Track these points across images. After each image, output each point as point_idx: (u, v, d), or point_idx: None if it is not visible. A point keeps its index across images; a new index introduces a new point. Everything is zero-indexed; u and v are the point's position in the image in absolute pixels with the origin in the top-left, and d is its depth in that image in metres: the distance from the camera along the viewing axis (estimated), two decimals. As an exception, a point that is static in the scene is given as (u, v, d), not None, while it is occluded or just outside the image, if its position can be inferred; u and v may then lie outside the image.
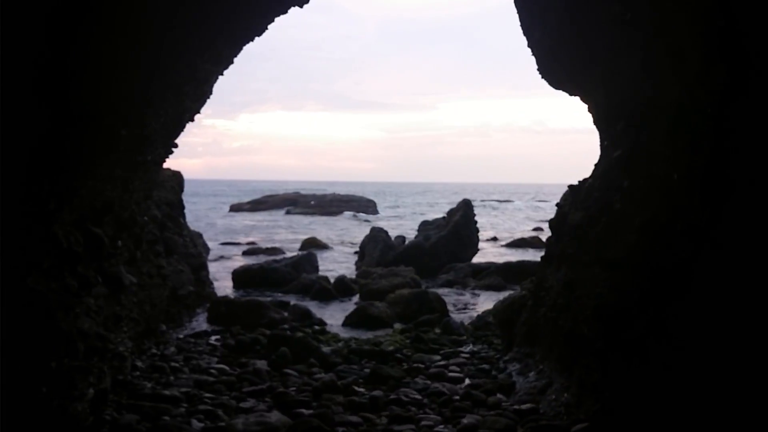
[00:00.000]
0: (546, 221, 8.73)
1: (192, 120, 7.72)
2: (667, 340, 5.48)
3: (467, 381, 9.01)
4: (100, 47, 5.10)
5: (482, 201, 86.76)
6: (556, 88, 7.90)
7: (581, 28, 6.58)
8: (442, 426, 6.95)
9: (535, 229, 44.16)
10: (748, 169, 4.76)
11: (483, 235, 27.25)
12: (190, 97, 6.91)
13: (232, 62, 7.75)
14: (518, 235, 35.84)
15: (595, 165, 7.67)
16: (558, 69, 7.44)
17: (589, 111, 7.51)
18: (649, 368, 5.73)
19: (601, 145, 7.32)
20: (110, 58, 5.05)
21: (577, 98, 7.76)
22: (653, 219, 5.59)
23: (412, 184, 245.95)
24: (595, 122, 7.36)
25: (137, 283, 9.49)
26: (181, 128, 7.68)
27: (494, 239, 35.89)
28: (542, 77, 7.91)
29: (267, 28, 7.12)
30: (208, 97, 7.85)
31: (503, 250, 30.47)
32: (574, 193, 7.87)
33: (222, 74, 8.03)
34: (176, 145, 8.52)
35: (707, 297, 5.07)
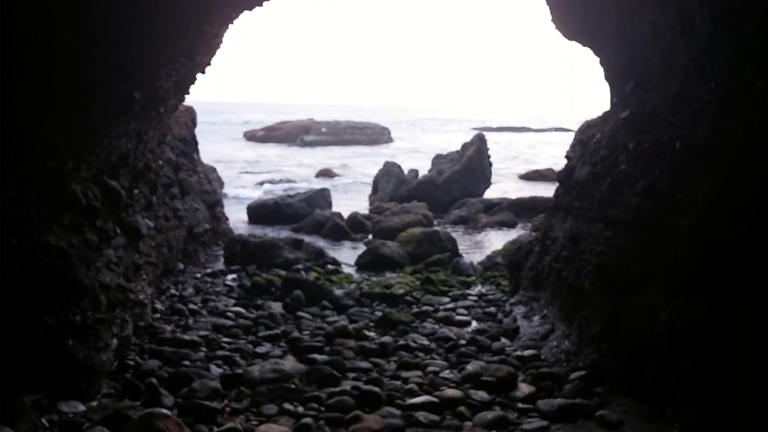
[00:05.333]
0: (564, 153, 8.81)
1: (204, 72, 7.75)
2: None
3: (474, 324, 9.34)
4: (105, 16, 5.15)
5: (498, 128, 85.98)
6: (569, 39, 7.81)
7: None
8: (447, 371, 7.26)
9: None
10: (753, 139, 4.81)
11: (497, 166, 27.18)
12: (201, 53, 6.95)
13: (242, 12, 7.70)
14: (533, 167, 35.69)
15: (604, 119, 7.69)
16: (571, 22, 7.36)
17: (600, 65, 7.47)
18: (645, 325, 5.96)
19: (611, 101, 7.33)
20: (122, 26, 5.11)
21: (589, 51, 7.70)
22: (655, 184, 5.69)
23: (426, 110, 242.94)
24: (606, 78, 7.34)
25: (154, 227, 9.78)
26: (193, 81, 7.74)
27: (508, 170, 35.85)
28: (555, 28, 7.81)
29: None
30: (218, 48, 7.83)
31: (516, 183, 30.50)
32: (582, 146, 7.93)
33: (232, 23, 7.98)
34: (189, 92, 8.56)
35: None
